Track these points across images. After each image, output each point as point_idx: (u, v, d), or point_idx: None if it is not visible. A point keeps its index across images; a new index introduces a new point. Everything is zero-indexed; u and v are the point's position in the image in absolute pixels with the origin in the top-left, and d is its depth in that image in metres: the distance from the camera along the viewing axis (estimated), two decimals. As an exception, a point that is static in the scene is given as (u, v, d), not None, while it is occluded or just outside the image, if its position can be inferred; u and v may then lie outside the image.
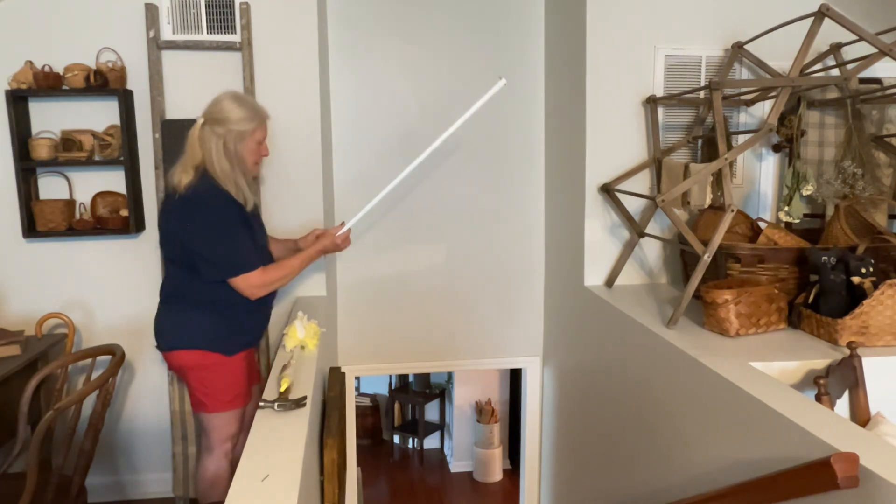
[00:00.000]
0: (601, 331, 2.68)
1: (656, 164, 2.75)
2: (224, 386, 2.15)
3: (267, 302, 2.28)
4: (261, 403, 1.67)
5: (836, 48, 2.66)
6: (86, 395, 2.06)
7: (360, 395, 6.61)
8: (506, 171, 3.35)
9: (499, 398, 5.92)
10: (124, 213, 2.74)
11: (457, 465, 6.00)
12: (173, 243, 2.09)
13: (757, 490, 1.48)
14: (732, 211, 2.10)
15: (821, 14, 2.15)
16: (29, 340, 2.61)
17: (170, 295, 2.18)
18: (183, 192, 1.99)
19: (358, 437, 4.44)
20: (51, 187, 2.76)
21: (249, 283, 2.07)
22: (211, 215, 2.00)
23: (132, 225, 2.71)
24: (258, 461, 1.40)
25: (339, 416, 2.01)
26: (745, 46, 2.66)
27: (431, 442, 6.49)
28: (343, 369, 2.46)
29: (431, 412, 6.50)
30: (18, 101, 2.62)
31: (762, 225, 2.54)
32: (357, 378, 4.92)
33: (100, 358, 2.37)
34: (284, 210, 2.77)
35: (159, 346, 2.18)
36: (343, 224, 2.39)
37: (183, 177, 2.02)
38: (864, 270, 2.03)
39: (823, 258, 2.09)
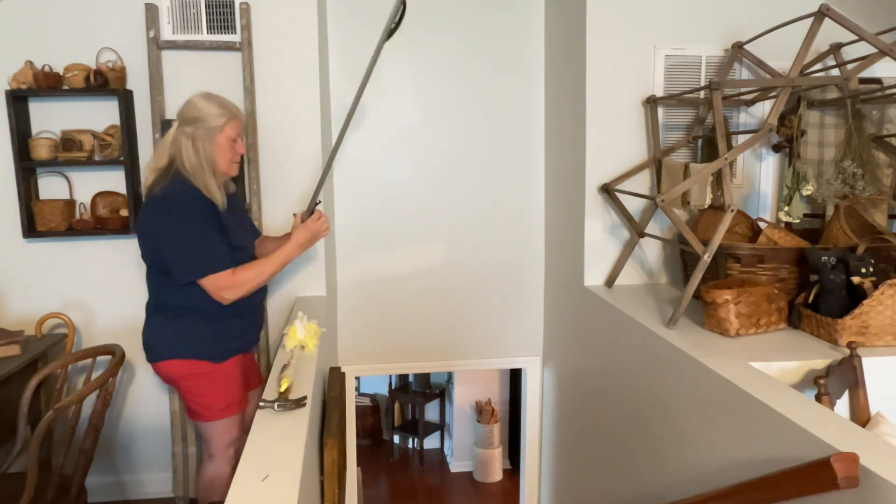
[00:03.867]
0: (601, 331, 2.68)
1: (656, 164, 2.75)
2: (216, 394, 2.12)
3: (252, 305, 2.23)
4: (261, 403, 1.67)
5: (836, 48, 2.66)
6: (86, 395, 2.06)
7: (360, 395, 6.61)
8: (506, 171, 3.35)
9: (499, 398, 5.92)
10: (124, 213, 2.74)
11: (457, 465, 6.00)
12: (149, 247, 2.05)
13: (757, 490, 1.48)
14: (732, 211, 2.10)
15: (821, 14, 2.15)
16: (29, 340, 2.61)
17: (152, 304, 2.15)
18: (156, 192, 1.97)
19: (358, 437, 4.45)
20: (51, 187, 2.76)
21: (217, 285, 2.00)
22: (178, 214, 1.97)
23: (132, 225, 2.71)
24: (258, 461, 1.40)
25: (339, 416, 2.01)
26: (745, 46, 2.66)
27: (431, 442, 6.49)
28: (343, 369, 2.46)
29: (431, 412, 6.50)
30: (18, 101, 2.62)
31: (762, 225, 2.54)
32: (357, 378, 4.92)
33: (100, 358, 2.37)
34: (284, 210, 2.77)
35: (148, 358, 2.14)
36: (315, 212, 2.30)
37: (149, 177, 2.03)
38: (864, 270, 2.03)
39: (823, 258, 2.09)
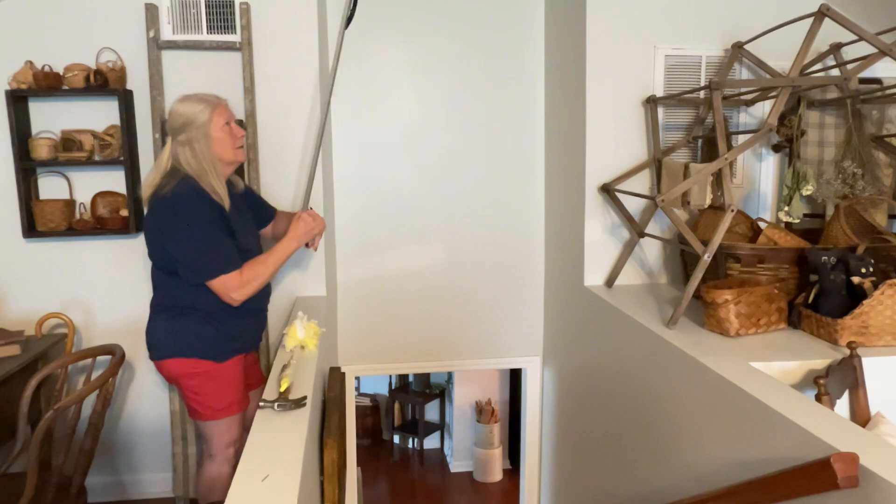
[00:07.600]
0: (601, 331, 2.68)
1: (656, 164, 2.75)
2: (216, 393, 2.13)
3: (255, 306, 2.23)
4: (261, 403, 1.67)
5: (836, 48, 2.66)
6: (86, 395, 2.06)
7: (360, 395, 6.61)
8: (506, 171, 3.35)
9: (499, 398, 5.92)
10: (124, 213, 2.74)
11: (457, 465, 6.00)
12: (155, 247, 2.07)
13: (757, 490, 1.48)
14: (732, 211, 2.10)
15: (821, 14, 2.15)
16: (29, 340, 2.61)
17: (156, 303, 2.16)
18: (164, 192, 1.98)
19: (358, 437, 4.44)
20: (51, 187, 2.76)
21: (226, 287, 2.01)
22: (188, 215, 1.97)
23: (132, 225, 2.71)
24: (258, 461, 1.40)
25: (339, 416, 2.01)
26: (745, 46, 2.66)
27: (431, 442, 6.49)
28: (343, 369, 2.46)
29: (431, 412, 6.50)
30: (18, 101, 2.62)
31: (762, 225, 2.54)
32: (357, 378, 4.92)
33: (100, 358, 2.37)
34: (284, 209, 2.77)
35: (151, 356, 2.16)
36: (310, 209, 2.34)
37: (146, 188, 2.04)
38: (864, 270, 2.03)
39: (823, 258, 2.09)
